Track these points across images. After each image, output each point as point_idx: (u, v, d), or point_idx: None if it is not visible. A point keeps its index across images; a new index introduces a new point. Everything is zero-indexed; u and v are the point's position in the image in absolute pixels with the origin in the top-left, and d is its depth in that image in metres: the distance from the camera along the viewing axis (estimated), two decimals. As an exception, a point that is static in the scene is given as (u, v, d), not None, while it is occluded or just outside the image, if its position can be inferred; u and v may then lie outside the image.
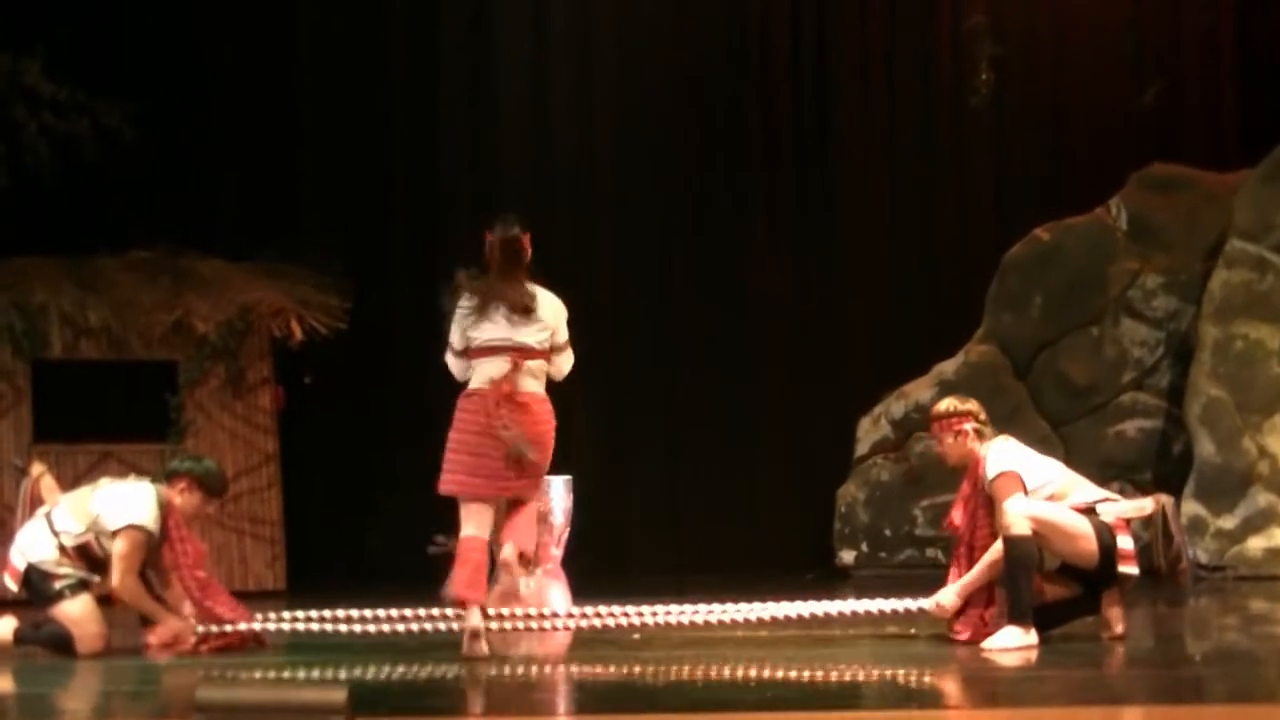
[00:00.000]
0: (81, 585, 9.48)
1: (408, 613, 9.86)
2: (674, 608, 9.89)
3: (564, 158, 16.18)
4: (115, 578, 9.40)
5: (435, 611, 9.85)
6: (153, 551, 9.58)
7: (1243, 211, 14.58)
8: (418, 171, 16.14)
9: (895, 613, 9.71)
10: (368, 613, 9.88)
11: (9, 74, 14.50)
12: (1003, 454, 9.25)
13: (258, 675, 8.56)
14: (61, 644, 9.45)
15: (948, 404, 9.54)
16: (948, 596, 9.27)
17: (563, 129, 16.21)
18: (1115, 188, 15.36)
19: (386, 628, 9.80)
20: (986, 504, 9.21)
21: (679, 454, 15.96)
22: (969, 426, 9.38)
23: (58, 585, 9.48)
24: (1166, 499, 9.41)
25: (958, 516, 9.38)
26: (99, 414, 14.42)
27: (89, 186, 15.08)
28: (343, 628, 9.86)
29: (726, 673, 8.39)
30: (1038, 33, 16.37)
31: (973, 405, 9.50)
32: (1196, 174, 15.37)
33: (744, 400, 15.97)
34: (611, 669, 8.77)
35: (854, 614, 9.78)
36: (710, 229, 16.10)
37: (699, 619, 9.66)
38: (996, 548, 9.06)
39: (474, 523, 9.42)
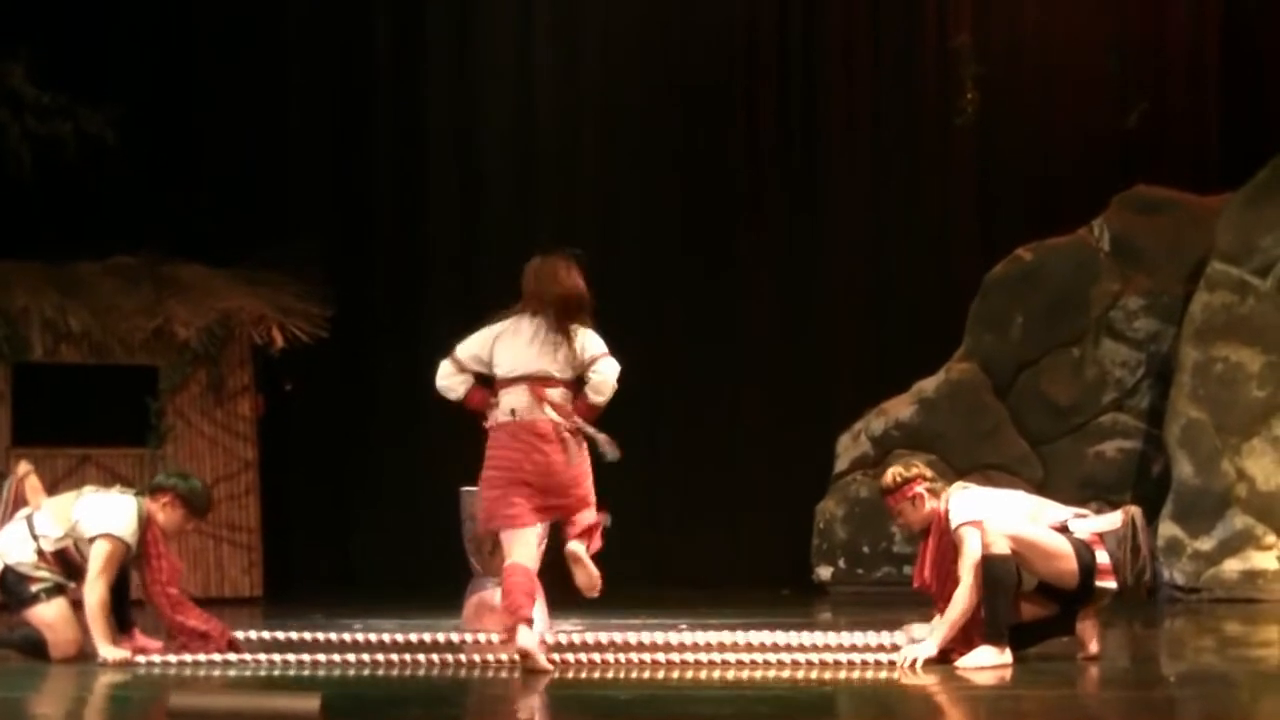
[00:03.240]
0: (58, 589, 9.44)
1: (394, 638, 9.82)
2: (646, 635, 9.83)
3: (549, 170, 16.20)
4: (87, 586, 9.34)
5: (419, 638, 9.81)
6: (131, 562, 9.54)
7: (1225, 234, 14.61)
8: (401, 180, 16.15)
9: (871, 648, 9.58)
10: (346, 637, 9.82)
11: (-9, 78, 14.51)
12: (964, 503, 9.16)
13: (232, 678, 8.55)
14: (35, 648, 9.41)
15: (893, 475, 9.31)
16: (927, 650, 9.11)
17: (548, 140, 16.23)
18: (1098, 209, 15.39)
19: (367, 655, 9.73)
20: (956, 556, 9.11)
21: (658, 468, 15.95)
22: (921, 489, 9.27)
23: (34, 588, 9.44)
24: (1135, 510, 9.34)
25: (927, 574, 9.29)
26: (79, 418, 14.42)
27: (71, 191, 15.07)
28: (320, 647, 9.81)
29: (700, 688, 8.38)
30: (1022, 53, 16.40)
31: (918, 467, 9.38)
32: (1179, 196, 15.40)
33: (724, 415, 15.98)
34: (587, 680, 8.76)
35: (827, 647, 9.65)
36: (693, 242, 16.11)
37: (675, 656, 9.47)
38: (962, 593, 8.98)
39: None
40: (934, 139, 16.37)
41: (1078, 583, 9.11)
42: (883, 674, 8.78)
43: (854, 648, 9.47)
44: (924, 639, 9.14)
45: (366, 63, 16.19)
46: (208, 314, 14.65)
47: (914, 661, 8.92)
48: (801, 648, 9.47)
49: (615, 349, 10.57)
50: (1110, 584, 9.12)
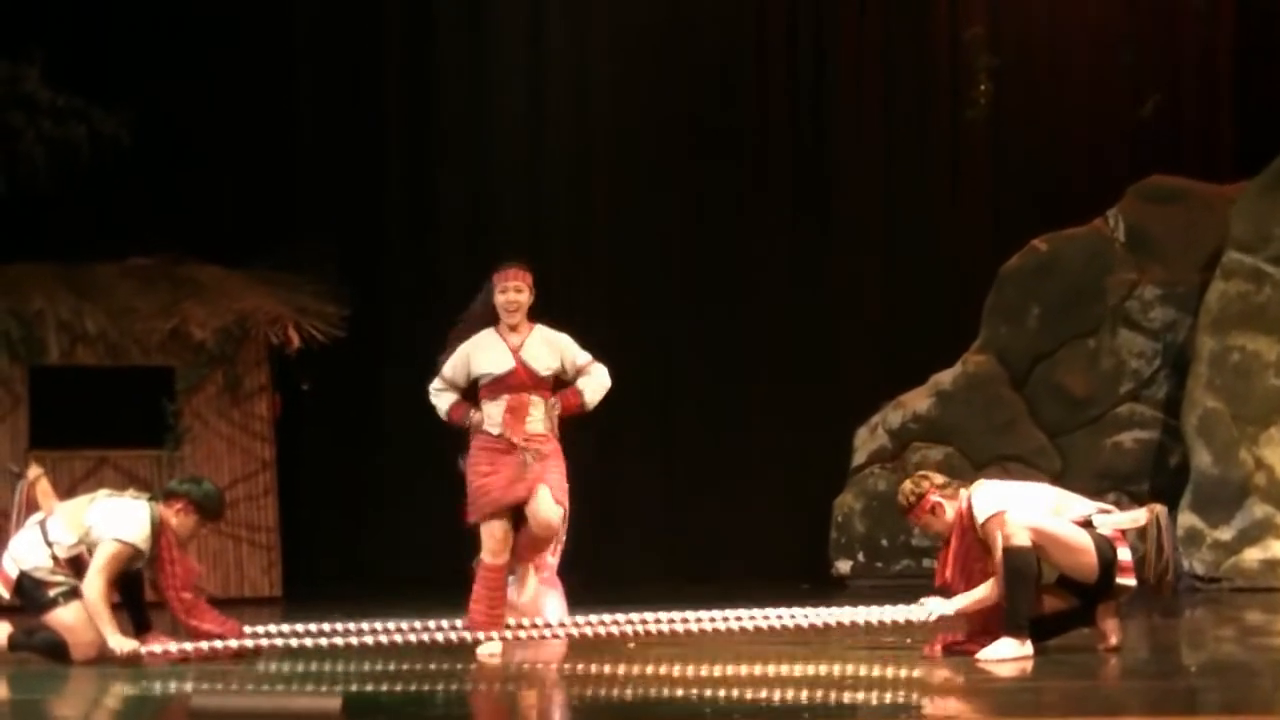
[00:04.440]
0: (75, 593, 9.45)
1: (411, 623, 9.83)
2: (665, 615, 9.83)
3: (560, 168, 16.20)
4: (86, 580, 9.35)
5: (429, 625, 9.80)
6: (145, 567, 9.55)
7: (1240, 223, 14.59)
8: (415, 181, 16.15)
9: (891, 622, 9.61)
10: (365, 625, 9.82)
11: (7, 80, 14.50)
12: (987, 497, 9.14)
13: (252, 684, 8.55)
14: (55, 651, 9.43)
15: (905, 495, 9.30)
16: (944, 606, 9.15)
17: (559, 138, 16.22)
18: (1113, 199, 15.37)
19: (384, 639, 9.73)
20: (979, 552, 9.09)
21: (675, 463, 15.96)
22: (936, 498, 9.26)
23: (51, 593, 9.45)
24: (1160, 508, 9.34)
25: (949, 573, 9.28)
26: (96, 420, 14.42)
27: (86, 193, 15.08)
28: (339, 639, 9.81)
29: (721, 683, 8.39)
30: (1036, 44, 16.39)
31: (927, 477, 9.35)
32: (1194, 186, 15.38)
33: (741, 409, 15.97)
34: (607, 679, 8.76)
35: (850, 624, 9.68)
36: (707, 237, 16.11)
37: (694, 628, 9.53)
38: (989, 584, 8.99)
39: None
40: (947, 131, 16.36)
41: (1097, 577, 9.11)
42: (904, 671, 8.78)
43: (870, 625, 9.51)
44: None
45: (378, 63, 16.18)
46: (224, 315, 14.66)
47: (931, 615, 8.98)
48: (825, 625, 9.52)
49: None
50: (1130, 581, 9.12)
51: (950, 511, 9.20)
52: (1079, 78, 16.32)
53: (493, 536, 9.86)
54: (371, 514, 15.67)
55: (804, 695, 7.90)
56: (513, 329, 9.86)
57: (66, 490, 11.44)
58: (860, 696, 7.98)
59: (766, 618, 9.59)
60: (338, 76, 16.03)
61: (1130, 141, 16.16)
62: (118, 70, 15.13)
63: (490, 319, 9.95)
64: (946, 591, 9.33)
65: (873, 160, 16.32)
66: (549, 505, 9.76)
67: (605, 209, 16.15)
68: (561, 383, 10.00)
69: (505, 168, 16.14)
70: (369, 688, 8.36)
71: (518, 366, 9.81)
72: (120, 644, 9.30)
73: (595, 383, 9.96)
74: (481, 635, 9.74)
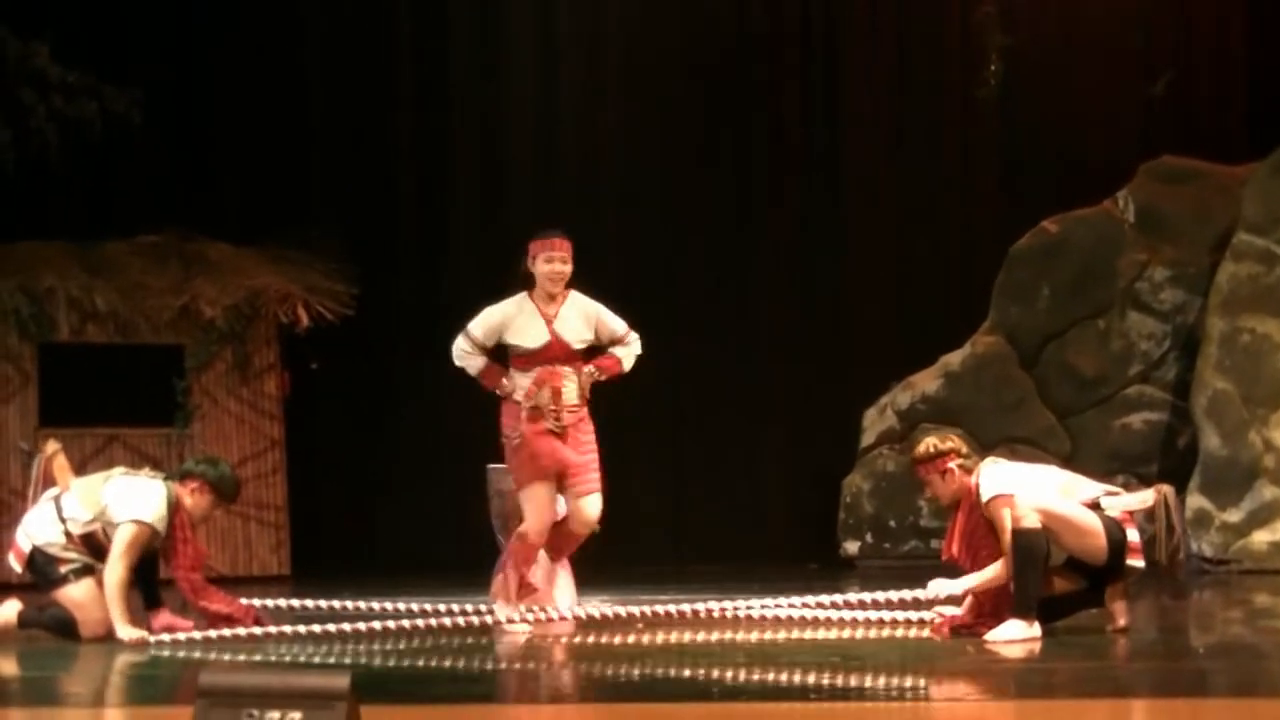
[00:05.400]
0: (86, 570, 9.48)
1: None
2: (674, 607, 9.83)
3: (572, 146, 16.20)
4: (108, 566, 9.38)
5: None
6: (159, 546, 9.58)
7: (1251, 204, 14.57)
8: (425, 159, 16.15)
9: (899, 601, 9.63)
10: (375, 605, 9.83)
11: (18, 58, 14.49)
12: (995, 477, 9.14)
13: (259, 657, 8.57)
14: (65, 628, 9.46)
15: (928, 445, 9.30)
16: (951, 585, 9.16)
17: (571, 116, 16.22)
18: (1123, 180, 15.35)
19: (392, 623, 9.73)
20: (986, 530, 9.10)
21: (684, 443, 15.96)
22: (954, 464, 9.24)
23: (63, 569, 9.48)
24: (1168, 488, 9.34)
25: (955, 548, 9.28)
26: (106, 398, 14.45)
27: (97, 171, 15.09)
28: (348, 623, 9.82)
29: (730, 662, 8.39)
30: (1047, 24, 16.36)
31: (953, 440, 9.35)
32: (1205, 166, 15.35)
33: (749, 390, 15.97)
34: (615, 656, 8.77)
35: (859, 603, 9.70)
36: (717, 219, 16.10)
37: (702, 612, 9.49)
38: (1001, 563, 8.99)
39: None
40: (958, 110, 16.33)
41: (1106, 559, 9.10)
42: (911, 652, 8.77)
43: (878, 604, 9.51)
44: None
45: (390, 41, 16.18)
46: (234, 292, 14.68)
47: (940, 596, 8.98)
48: (834, 605, 9.52)
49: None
50: (1140, 562, 9.11)
51: (958, 481, 9.21)
52: (1090, 57, 16.28)
53: (538, 501, 9.78)
54: (380, 492, 15.68)
55: (810, 675, 7.91)
56: (550, 298, 9.77)
57: (76, 469, 11.42)
58: (867, 677, 7.99)
59: (775, 605, 9.57)
60: (349, 54, 16.02)
61: (1141, 122, 16.13)
62: (128, 47, 15.14)
63: (525, 284, 9.87)
64: (954, 568, 9.35)
65: (883, 140, 16.30)
66: (596, 508, 9.82)
67: (617, 188, 16.13)
68: (595, 350, 9.98)
69: (515, 145, 16.13)
70: (377, 667, 8.37)
71: (553, 340, 9.73)
72: (128, 634, 9.32)
73: (633, 351, 9.98)
74: (510, 615, 9.75)
